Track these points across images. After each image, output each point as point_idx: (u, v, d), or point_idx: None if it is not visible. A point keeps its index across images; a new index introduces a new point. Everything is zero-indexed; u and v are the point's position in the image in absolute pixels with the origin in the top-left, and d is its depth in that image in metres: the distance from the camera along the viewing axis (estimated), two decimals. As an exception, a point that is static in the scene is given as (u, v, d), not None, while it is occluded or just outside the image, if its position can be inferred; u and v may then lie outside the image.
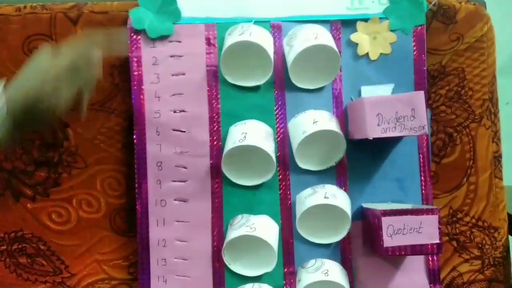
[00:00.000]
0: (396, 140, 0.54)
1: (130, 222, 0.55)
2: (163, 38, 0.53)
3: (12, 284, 0.55)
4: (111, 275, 0.55)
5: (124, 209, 0.55)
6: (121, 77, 0.55)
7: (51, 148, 0.55)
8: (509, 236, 0.58)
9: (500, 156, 0.57)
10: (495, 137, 0.57)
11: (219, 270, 0.53)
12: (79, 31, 0.54)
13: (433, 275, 0.54)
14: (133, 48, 0.53)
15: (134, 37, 0.53)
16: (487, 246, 0.57)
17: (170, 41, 0.53)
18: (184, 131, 0.53)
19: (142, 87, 0.53)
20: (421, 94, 0.48)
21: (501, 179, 0.57)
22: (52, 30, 0.54)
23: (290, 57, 0.52)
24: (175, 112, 0.54)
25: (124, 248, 0.55)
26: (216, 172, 0.53)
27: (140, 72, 0.53)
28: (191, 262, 0.53)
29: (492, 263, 0.57)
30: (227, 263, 0.51)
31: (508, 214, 0.58)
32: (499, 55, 0.58)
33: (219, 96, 0.54)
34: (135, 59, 0.53)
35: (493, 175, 0.57)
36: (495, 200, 0.57)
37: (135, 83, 0.53)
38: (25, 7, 0.54)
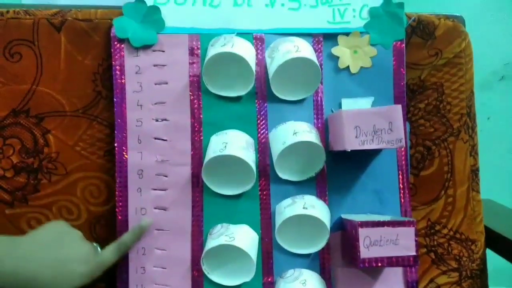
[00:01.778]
0: (375, 152, 0.55)
1: (110, 230, 0.55)
2: (146, 47, 0.54)
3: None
4: (88, 283, 0.55)
5: (104, 217, 0.55)
6: (104, 84, 0.55)
7: (31, 154, 0.54)
8: (486, 249, 0.59)
9: (477, 169, 0.59)
10: (473, 151, 0.58)
11: (198, 279, 0.53)
12: (63, 38, 0.54)
13: (411, 286, 0.54)
14: (116, 57, 0.53)
15: (118, 45, 0.54)
16: (464, 259, 0.57)
17: (154, 51, 0.54)
18: (166, 140, 0.54)
19: (125, 95, 0.54)
20: (398, 108, 0.49)
21: (478, 192, 0.58)
22: (35, 36, 0.54)
23: (271, 69, 0.53)
24: (157, 120, 0.54)
25: (102, 256, 0.55)
26: (196, 181, 0.53)
27: (123, 81, 0.54)
28: (170, 271, 0.53)
29: (469, 275, 0.57)
30: (205, 272, 0.51)
31: (485, 227, 0.59)
32: (481, 71, 0.60)
33: (201, 106, 0.54)
34: (118, 67, 0.54)
35: (471, 188, 0.58)
36: (472, 213, 0.58)
37: (118, 91, 0.54)
38: (7, 11, 0.54)
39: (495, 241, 0.59)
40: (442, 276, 0.57)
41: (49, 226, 0.48)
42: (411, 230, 0.48)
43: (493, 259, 0.60)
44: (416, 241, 0.48)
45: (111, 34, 0.53)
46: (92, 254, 0.48)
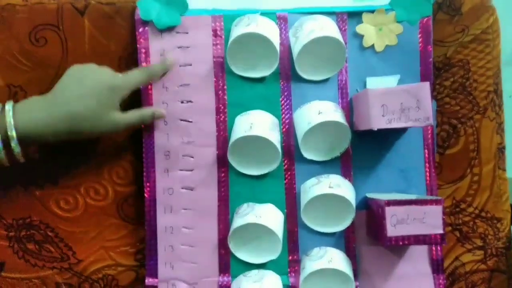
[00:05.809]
0: (401, 131, 0.54)
1: (137, 210, 0.56)
2: (170, 29, 0.54)
3: (20, 270, 0.56)
4: (118, 261, 0.56)
5: (131, 197, 0.56)
6: (128, 67, 0.55)
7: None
8: (512, 227, 0.59)
9: (503, 147, 0.58)
10: (499, 129, 0.57)
11: (225, 256, 0.54)
12: (87, 22, 0.55)
13: (436, 264, 0.54)
14: (141, 40, 0.54)
15: (142, 28, 0.54)
16: (489, 237, 0.57)
17: (177, 32, 0.54)
18: (191, 121, 0.54)
19: (150, 77, 0.54)
20: (426, 85, 0.48)
21: (504, 170, 0.58)
22: (60, 21, 0.54)
23: (296, 49, 0.52)
24: (182, 102, 0.54)
25: (131, 235, 0.56)
26: (222, 161, 0.54)
27: (148, 63, 0.54)
28: (197, 249, 0.54)
29: (494, 253, 0.57)
30: (232, 250, 0.52)
31: (511, 205, 0.58)
32: (505, 47, 0.58)
33: (225, 87, 0.54)
34: (143, 50, 0.54)
35: (497, 166, 0.57)
36: (498, 191, 0.57)
37: (143, 73, 0.54)
38: (32, -3, 0.55)
39: (520, 219, 0.58)
40: (467, 254, 0.57)
41: (67, 75, 0.49)
42: (438, 209, 0.48)
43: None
44: (443, 219, 0.48)
45: (135, 17, 0.54)
46: (115, 73, 0.50)
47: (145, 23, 0.54)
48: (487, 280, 0.57)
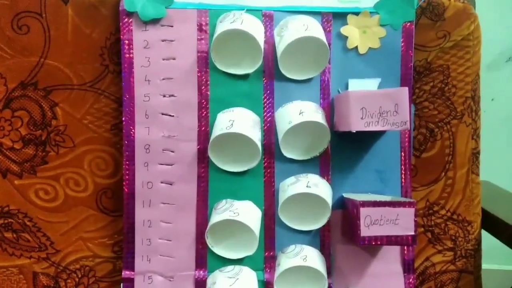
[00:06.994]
0: (379, 133, 0.55)
1: (116, 202, 0.56)
2: (155, 21, 0.53)
3: (-2, 258, 0.56)
4: (95, 252, 0.57)
5: (110, 189, 0.56)
6: (111, 58, 0.55)
7: (39, 127, 0.55)
8: (482, 230, 0.61)
9: (478, 152, 0.59)
10: (475, 134, 0.59)
11: (202, 251, 0.54)
12: (70, 11, 0.54)
13: (407, 264, 0.56)
14: (125, 31, 0.53)
15: (126, 19, 0.53)
16: (460, 239, 0.59)
17: (162, 25, 0.54)
18: (173, 116, 0.54)
19: (133, 70, 0.54)
20: (405, 91, 0.49)
21: (477, 174, 0.59)
22: (43, 9, 0.54)
23: (280, 47, 0.53)
24: (164, 96, 0.54)
25: (109, 227, 0.56)
26: (202, 157, 0.54)
27: (131, 55, 0.54)
28: (175, 243, 0.54)
29: (463, 254, 0.59)
30: (209, 246, 0.53)
31: (482, 209, 0.60)
32: (489, 51, 0.59)
33: (208, 82, 0.54)
34: (127, 42, 0.53)
35: (470, 170, 0.59)
36: (470, 195, 0.59)
37: (126, 65, 0.54)
38: (15, -17, 0.53)
39: (489, 222, 0.60)
40: (437, 255, 0.59)
41: None
42: (411, 211, 0.49)
43: (488, 238, 0.61)
44: (415, 221, 0.49)
45: (120, 8, 0.53)
46: None
47: (130, 14, 0.53)
48: (455, 280, 0.59)
